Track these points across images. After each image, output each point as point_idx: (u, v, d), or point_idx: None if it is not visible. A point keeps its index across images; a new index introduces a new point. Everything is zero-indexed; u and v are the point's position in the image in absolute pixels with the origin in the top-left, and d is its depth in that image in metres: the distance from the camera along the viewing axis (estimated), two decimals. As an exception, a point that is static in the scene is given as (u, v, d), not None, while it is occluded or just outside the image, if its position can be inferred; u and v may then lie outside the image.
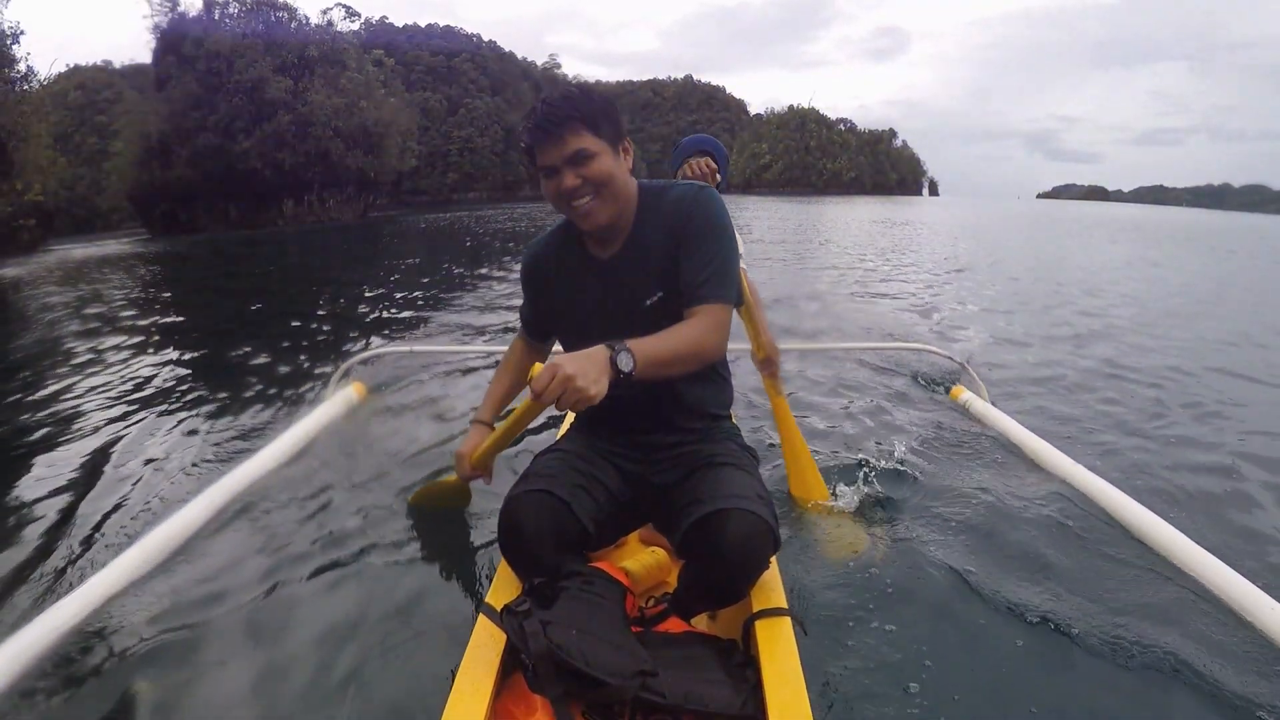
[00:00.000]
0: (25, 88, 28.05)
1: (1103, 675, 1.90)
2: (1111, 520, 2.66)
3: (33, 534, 2.89)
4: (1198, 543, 2.35)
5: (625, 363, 1.44)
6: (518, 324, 2.12)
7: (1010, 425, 3.58)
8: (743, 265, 2.85)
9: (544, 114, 1.59)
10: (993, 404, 3.96)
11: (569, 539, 1.62)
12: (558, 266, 1.85)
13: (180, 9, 45.85)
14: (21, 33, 27.70)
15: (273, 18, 47.61)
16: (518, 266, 2.02)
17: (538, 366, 1.39)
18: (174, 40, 45.15)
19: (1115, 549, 2.49)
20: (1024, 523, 2.69)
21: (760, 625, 1.52)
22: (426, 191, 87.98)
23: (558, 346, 2.03)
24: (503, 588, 1.68)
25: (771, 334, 2.85)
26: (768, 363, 2.91)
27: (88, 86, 69.19)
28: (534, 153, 1.64)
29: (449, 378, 4.97)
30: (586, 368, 1.39)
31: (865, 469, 3.14)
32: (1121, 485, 2.85)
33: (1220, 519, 2.86)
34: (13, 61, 27.31)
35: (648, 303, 1.70)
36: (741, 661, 1.47)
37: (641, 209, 1.73)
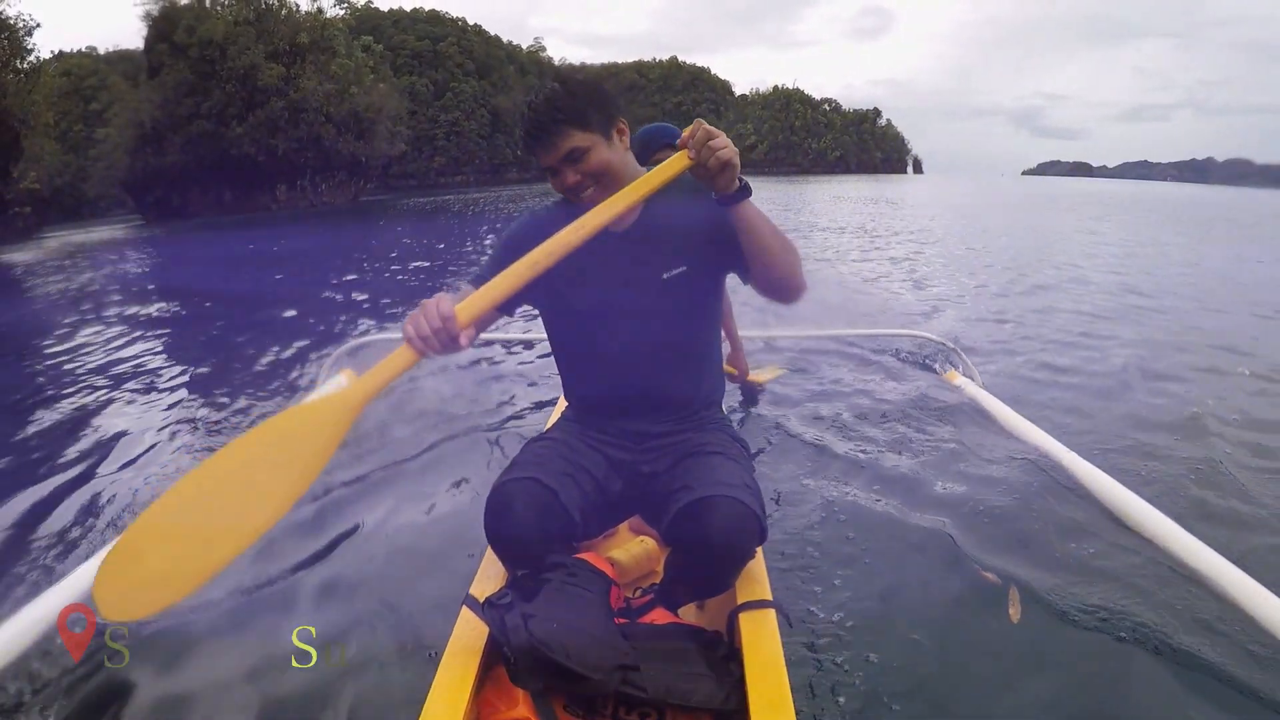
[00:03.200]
0: (37, 78, 29.27)
1: (1092, 665, 1.90)
2: (1103, 506, 2.63)
3: (22, 520, 2.91)
4: (1191, 532, 2.28)
5: (748, 185, 1.52)
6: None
7: (1003, 410, 3.56)
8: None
9: (532, 121, 1.61)
10: (985, 388, 3.95)
11: (556, 529, 1.60)
12: None
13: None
14: (37, 25, 29.31)
15: (263, 4, 47.41)
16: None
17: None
18: (166, 28, 44.98)
19: (1106, 536, 2.48)
20: (1016, 510, 2.68)
21: (745, 617, 1.52)
22: (414, 175, 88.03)
23: (534, 335, 1.94)
24: (486, 579, 1.68)
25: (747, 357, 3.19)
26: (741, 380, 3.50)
27: (73, 73, 68.64)
28: (532, 156, 1.67)
29: (442, 365, 4.91)
30: None
31: (858, 455, 3.14)
32: (1114, 471, 2.82)
33: (1200, 497, 2.87)
34: (24, 53, 28.51)
35: (666, 276, 1.69)
36: (725, 654, 1.47)
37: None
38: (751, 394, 4.04)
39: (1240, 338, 5.71)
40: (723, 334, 2.83)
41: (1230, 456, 3.25)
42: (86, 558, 2.36)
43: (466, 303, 1.44)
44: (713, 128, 1.45)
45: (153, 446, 3.71)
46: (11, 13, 28.55)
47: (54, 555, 2.58)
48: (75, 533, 2.76)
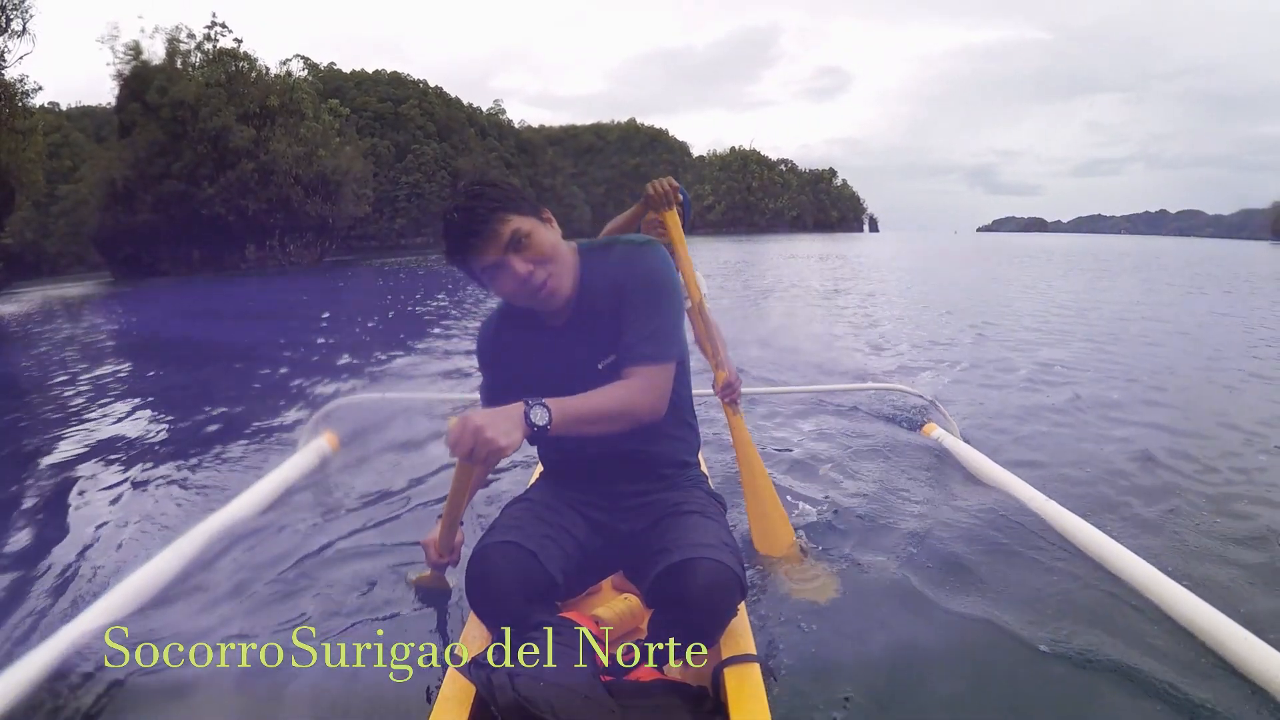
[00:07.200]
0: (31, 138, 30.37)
1: (1077, 709, 1.92)
2: (1087, 556, 2.66)
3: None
4: (1183, 585, 2.35)
5: (539, 417, 1.45)
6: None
7: (982, 461, 3.59)
8: (705, 291, 2.86)
9: (465, 217, 1.57)
10: (964, 439, 3.99)
11: (537, 590, 1.60)
12: (510, 340, 1.82)
13: (144, 56, 46.13)
14: (39, 88, 31.05)
15: (233, 67, 48.03)
16: (486, 305, 1.98)
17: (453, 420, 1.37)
18: (138, 88, 45.28)
19: (1091, 586, 2.49)
20: (999, 562, 2.69)
21: (729, 672, 1.53)
22: (375, 237, 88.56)
23: None
24: (471, 639, 1.68)
25: (731, 364, 2.78)
26: (728, 389, 2.69)
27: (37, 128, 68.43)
28: (469, 260, 1.60)
29: (425, 425, 4.83)
30: (497, 420, 1.40)
31: (836, 513, 3.16)
32: (1092, 515, 2.89)
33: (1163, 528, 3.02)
34: (23, 114, 29.72)
35: (600, 365, 1.70)
36: (711, 709, 1.48)
37: (586, 271, 1.71)
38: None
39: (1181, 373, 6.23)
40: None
41: (1189, 488, 3.49)
42: (67, 618, 2.33)
43: (442, 533, 1.85)
44: (453, 439, 1.39)
45: (129, 512, 3.60)
46: (14, 74, 29.65)
47: (29, 623, 2.51)
48: (51, 598, 2.69)
